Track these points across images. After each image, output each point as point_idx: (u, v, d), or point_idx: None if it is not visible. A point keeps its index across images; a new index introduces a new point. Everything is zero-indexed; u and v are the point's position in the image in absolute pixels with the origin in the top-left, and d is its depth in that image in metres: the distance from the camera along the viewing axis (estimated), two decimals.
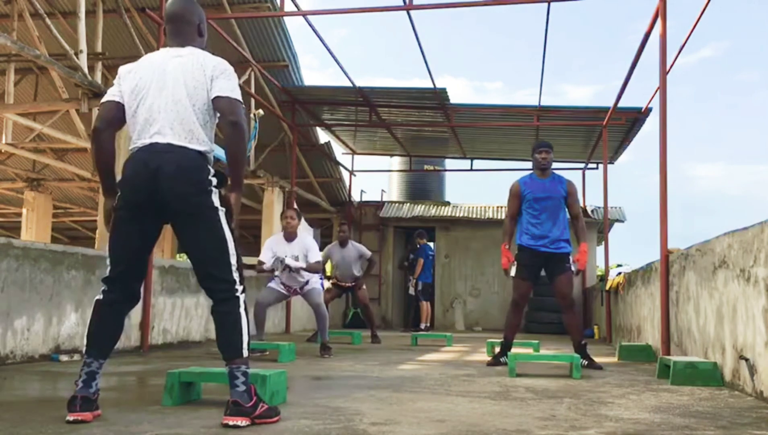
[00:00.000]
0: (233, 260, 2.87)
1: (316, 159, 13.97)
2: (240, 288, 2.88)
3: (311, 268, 6.56)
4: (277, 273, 6.65)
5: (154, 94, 2.91)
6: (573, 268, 5.75)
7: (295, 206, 10.40)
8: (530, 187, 5.89)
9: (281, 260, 6.49)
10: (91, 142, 3.03)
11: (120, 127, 3.00)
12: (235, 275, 2.87)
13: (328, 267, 9.68)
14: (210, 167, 2.92)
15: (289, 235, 6.64)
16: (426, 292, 12.65)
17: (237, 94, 2.92)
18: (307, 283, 6.74)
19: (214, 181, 2.90)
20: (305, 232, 6.94)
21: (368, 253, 9.08)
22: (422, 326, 12.26)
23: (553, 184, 5.87)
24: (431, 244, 14.38)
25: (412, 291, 13.14)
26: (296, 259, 6.54)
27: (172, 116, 2.87)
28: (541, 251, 5.73)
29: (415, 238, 12.99)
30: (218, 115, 2.96)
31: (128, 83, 2.98)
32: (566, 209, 5.88)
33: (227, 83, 2.92)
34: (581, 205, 5.96)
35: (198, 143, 2.88)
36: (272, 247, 6.66)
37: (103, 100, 3.02)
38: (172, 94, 2.90)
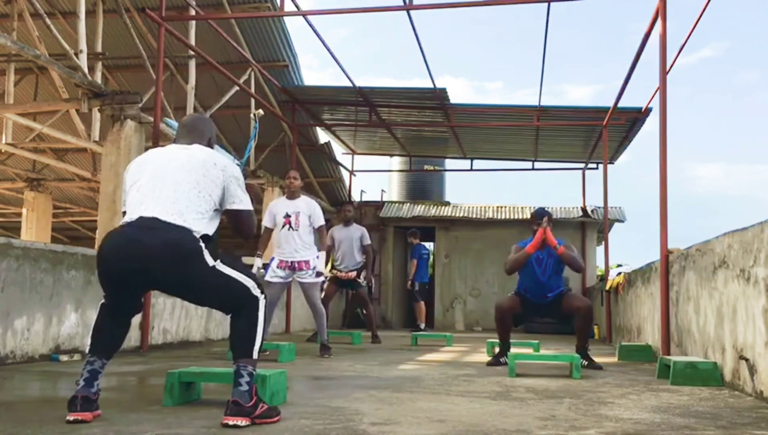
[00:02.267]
0: (242, 279, 2.89)
1: (316, 159, 13.97)
2: (258, 290, 2.91)
3: (323, 243, 6.65)
4: (269, 269, 6.54)
5: (149, 175, 2.92)
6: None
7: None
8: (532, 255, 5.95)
9: (319, 272, 6.56)
10: None
11: None
12: (248, 285, 2.90)
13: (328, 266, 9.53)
14: (198, 237, 2.82)
15: (292, 195, 6.61)
16: (422, 292, 12.58)
17: (250, 203, 3.04)
18: (308, 262, 6.52)
19: (203, 244, 2.83)
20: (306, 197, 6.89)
21: (368, 238, 8.88)
22: (421, 326, 12.23)
23: (549, 252, 5.89)
24: (426, 244, 14.36)
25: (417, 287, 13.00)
26: (298, 215, 6.46)
27: (167, 193, 2.85)
28: (537, 303, 5.88)
29: (408, 237, 12.93)
30: (220, 209, 2.97)
31: (129, 175, 3.03)
32: (563, 267, 5.93)
33: (243, 195, 3.01)
34: (581, 259, 6.08)
35: (188, 224, 2.81)
36: (275, 209, 6.60)
37: (123, 209, 3.01)
38: (173, 176, 2.89)
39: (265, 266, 6.69)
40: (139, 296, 3.02)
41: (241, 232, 3.05)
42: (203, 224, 2.85)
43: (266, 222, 6.67)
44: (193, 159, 2.95)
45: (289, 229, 6.50)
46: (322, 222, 6.62)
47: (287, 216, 6.50)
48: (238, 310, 2.89)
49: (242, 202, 2.99)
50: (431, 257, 17.01)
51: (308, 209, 6.57)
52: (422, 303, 12.45)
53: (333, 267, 8.93)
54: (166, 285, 2.92)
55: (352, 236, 8.78)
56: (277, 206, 6.65)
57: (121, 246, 2.79)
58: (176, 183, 2.87)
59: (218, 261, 2.86)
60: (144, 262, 2.73)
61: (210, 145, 3.17)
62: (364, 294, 9.02)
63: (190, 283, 2.83)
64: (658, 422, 3.00)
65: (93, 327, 2.94)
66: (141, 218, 2.81)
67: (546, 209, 6.21)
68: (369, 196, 16.11)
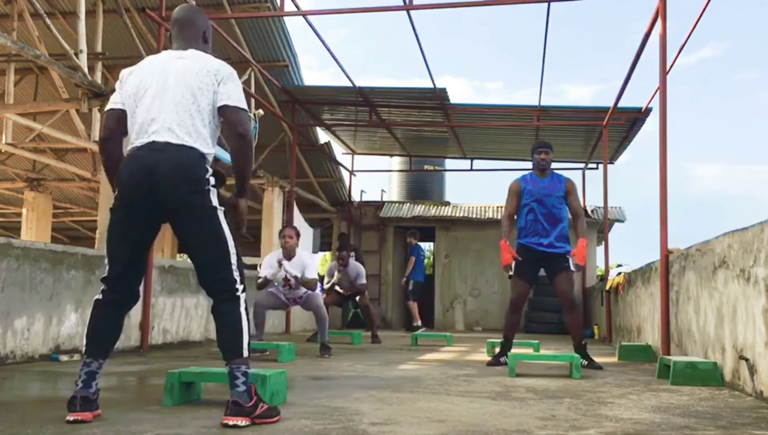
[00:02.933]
0: (234, 260, 2.87)
1: (316, 159, 13.97)
2: (240, 287, 2.88)
3: (307, 283, 6.66)
4: (275, 287, 6.79)
5: (153, 94, 2.90)
6: (571, 263, 5.73)
7: (294, 225, 10.48)
8: (530, 185, 5.88)
9: (280, 262, 6.55)
10: (100, 151, 3.07)
11: (126, 134, 3.01)
12: (236, 275, 2.87)
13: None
14: (209, 167, 2.90)
15: (288, 254, 6.68)
16: (416, 292, 12.55)
17: (244, 103, 2.94)
18: (305, 292, 6.82)
19: (213, 180, 2.88)
20: (304, 250, 7.07)
21: (363, 280, 9.22)
22: (415, 324, 12.23)
23: (553, 183, 5.87)
24: (426, 244, 14.36)
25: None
26: (294, 277, 6.62)
27: (171, 116, 2.86)
28: (539, 251, 5.72)
29: (408, 237, 12.96)
30: (221, 119, 2.95)
31: (129, 86, 2.98)
32: (566, 208, 5.88)
33: (234, 90, 2.92)
34: (581, 204, 5.94)
35: (197, 143, 2.87)
36: (270, 265, 6.70)
37: (107, 108, 3.03)
38: (172, 94, 2.89)
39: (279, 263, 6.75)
40: (147, 243, 2.96)
41: (236, 133, 2.87)
42: (209, 139, 2.90)
43: (264, 273, 6.73)
44: (187, 71, 2.91)
45: (290, 289, 6.80)
46: (314, 276, 6.75)
47: (287, 279, 6.68)
48: (220, 300, 2.85)
49: (230, 98, 2.90)
50: (431, 257, 17.03)
51: (301, 268, 6.68)
52: (415, 303, 12.44)
53: (333, 284, 9.46)
54: (170, 211, 2.86)
55: (349, 277, 9.28)
56: (274, 264, 6.68)
57: (136, 170, 2.83)
58: (176, 102, 2.87)
59: (222, 211, 2.86)
60: (153, 180, 2.78)
61: (206, 40, 3.13)
62: (365, 300, 9.41)
63: (190, 213, 2.82)
64: (658, 422, 3.00)
65: (87, 327, 2.93)
66: (153, 142, 2.84)
67: (547, 143, 6.17)
68: (369, 196, 16.12)
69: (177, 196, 2.81)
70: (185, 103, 2.88)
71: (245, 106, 2.94)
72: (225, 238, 2.85)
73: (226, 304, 2.85)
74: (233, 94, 2.91)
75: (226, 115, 2.90)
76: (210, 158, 2.93)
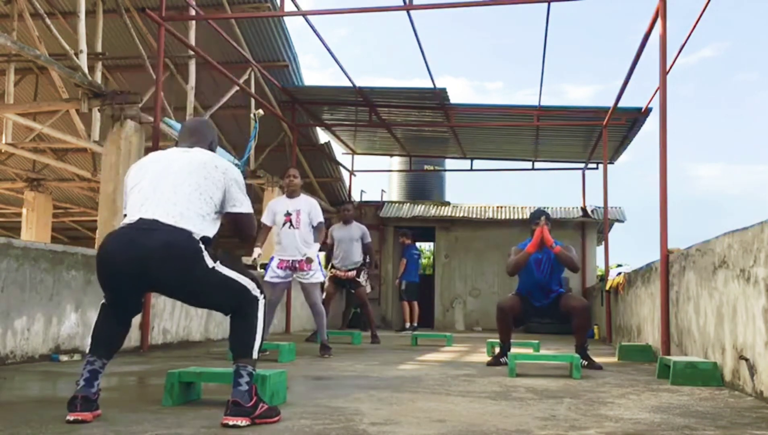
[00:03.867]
0: (241, 280, 2.90)
1: (316, 159, 13.97)
2: (258, 291, 2.92)
3: (320, 232, 6.55)
4: (270, 270, 6.52)
5: (151, 178, 2.93)
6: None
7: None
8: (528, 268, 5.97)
9: (309, 258, 6.43)
10: None
11: None
12: (249, 286, 2.90)
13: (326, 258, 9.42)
14: (198, 239, 2.82)
15: (291, 193, 6.61)
16: (411, 292, 12.48)
17: (250, 206, 3.04)
18: (305, 255, 6.48)
19: (203, 245, 2.83)
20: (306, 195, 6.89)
21: (369, 237, 8.87)
22: (407, 326, 12.13)
23: (549, 264, 5.91)
24: (426, 244, 14.34)
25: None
26: (299, 213, 6.45)
27: (166, 197, 2.85)
28: (537, 306, 5.92)
29: (400, 237, 12.87)
30: (221, 212, 2.98)
31: (130, 179, 3.03)
32: (563, 270, 5.97)
33: (245, 197, 3.02)
34: (577, 259, 6.11)
35: (189, 225, 2.81)
36: (275, 207, 6.60)
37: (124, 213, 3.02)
38: (173, 179, 2.90)
39: (265, 266, 6.69)
40: (138, 297, 3.02)
41: (241, 235, 3.07)
42: (204, 226, 2.86)
43: (265, 220, 6.66)
44: (194, 161, 2.96)
45: (290, 228, 6.50)
46: (321, 219, 6.62)
47: (288, 214, 6.50)
48: (237, 310, 2.90)
49: (242, 205, 3.00)
50: (431, 257, 17.01)
51: (308, 207, 6.58)
52: (406, 302, 12.39)
53: (332, 266, 8.89)
54: (165, 287, 2.91)
55: (352, 235, 8.75)
56: (277, 205, 6.65)
57: (120, 248, 2.78)
58: (177, 185, 2.88)
59: (218, 262, 2.85)
60: (143, 263, 2.73)
61: (212, 149, 3.19)
62: (362, 294, 8.94)
63: (190, 285, 2.83)
64: (658, 422, 3.00)
65: (93, 327, 2.94)
66: (141, 220, 2.81)
67: (544, 210, 6.25)
68: (369, 196, 16.12)
69: (170, 276, 2.77)
70: (187, 189, 2.88)
71: (252, 211, 3.06)
72: (231, 279, 2.87)
73: (245, 308, 2.89)
74: (245, 202, 3.02)
75: (238, 219, 3.01)
76: (199, 237, 2.84)
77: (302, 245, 6.50)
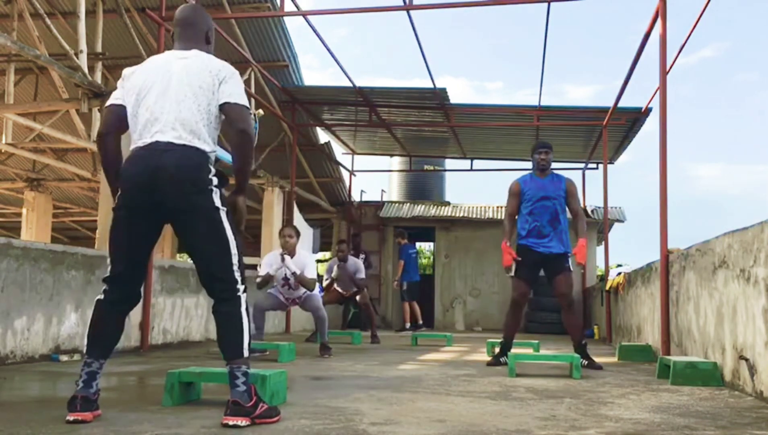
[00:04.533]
0: (235, 260, 2.87)
1: (316, 159, 13.97)
2: (242, 287, 2.89)
3: (304, 282, 6.58)
4: (275, 287, 6.77)
5: (156, 93, 2.91)
6: (572, 263, 5.75)
7: (294, 224, 10.53)
8: (530, 186, 5.89)
9: (282, 256, 6.54)
10: (98, 146, 3.07)
11: (125, 130, 3.01)
12: (237, 275, 2.87)
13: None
14: (211, 167, 2.90)
15: (288, 253, 6.66)
16: (412, 292, 12.48)
17: (245, 100, 2.95)
18: (304, 292, 6.78)
19: (215, 180, 2.89)
20: (303, 250, 7.03)
21: (362, 275, 9.23)
22: (407, 326, 12.17)
23: (553, 184, 5.87)
24: (426, 244, 14.33)
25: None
26: (294, 274, 6.56)
27: (174, 116, 2.87)
28: (539, 251, 5.73)
29: (395, 238, 12.86)
30: (223, 117, 2.96)
31: (131, 84, 2.98)
32: (566, 208, 5.88)
33: (236, 88, 2.93)
34: (581, 204, 5.95)
35: (200, 143, 2.87)
36: (270, 264, 6.69)
37: (107, 103, 3.03)
38: (175, 94, 2.89)
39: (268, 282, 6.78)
40: (149, 244, 2.97)
41: (237, 129, 2.87)
42: (212, 137, 2.91)
43: (264, 272, 6.72)
44: (190, 71, 2.92)
45: (288, 289, 6.79)
46: (313, 276, 6.71)
47: (286, 279, 6.66)
48: (221, 300, 2.86)
49: (232, 95, 2.91)
50: (431, 257, 17.01)
51: (301, 267, 6.64)
52: (407, 303, 12.39)
53: (332, 281, 9.39)
54: (172, 211, 2.85)
55: (348, 273, 9.25)
56: (274, 263, 6.67)
57: (139, 171, 2.83)
58: (179, 101, 2.88)
59: (226, 211, 2.87)
60: (155, 179, 2.78)
61: (208, 40, 3.14)
62: (365, 300, 9.29)
63: (192, 213, 2.83)
64: (658, 422, 3.00)
65: (88, 327, 2.93)
66: (157, 142, 2.84)
67: (547, 142, 6.19)
68: (369, 196, 16.13)
69: (180, 197, 2.81)
70: (187, 102, 2.88)
71: (247, 104, 2.95)
72: (227, 239, 2.86)
73: (227, 304, 2.86)
74: (234, 91, 2.92)
75: (227, 112, 2.91)
76: (212, 158, 2.93)
77: (299, 293, 6.82)
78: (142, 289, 3.07)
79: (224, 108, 2.91)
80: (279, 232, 7.03)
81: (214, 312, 2.89)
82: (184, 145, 2.84)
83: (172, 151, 2.82)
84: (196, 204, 2.83)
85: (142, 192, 2.83)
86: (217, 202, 2.86)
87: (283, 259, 6.54)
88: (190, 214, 2.84)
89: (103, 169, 3.04)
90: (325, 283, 9.46)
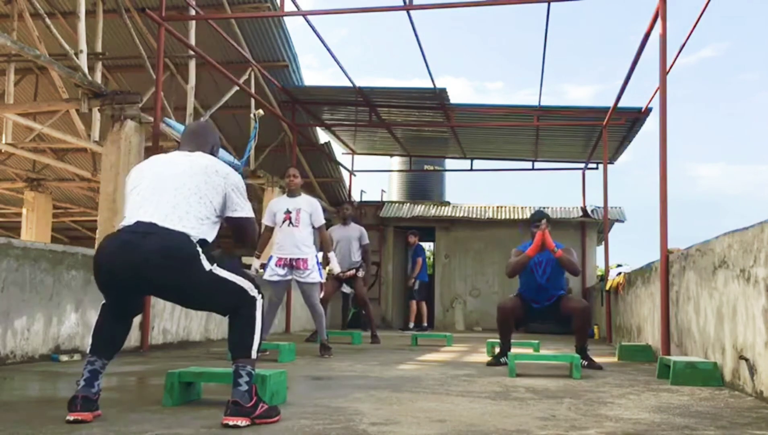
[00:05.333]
0: (241, 284, 2.90)
1: (316, 159, 13.97)
2: (255, 291, 2.93)
3: (326, 244, 6.70)
4: (271, 275, 6.49)
5: (152, 181, 2.93)
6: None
7: None
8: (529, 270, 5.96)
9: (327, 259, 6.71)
10: None
11: None
12: (246, 287, 2.91)
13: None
14: (196, 242, 2.82)
15: (292, 193, 6.61)
16: (421, 292, 12.52)
17: (251, 211, 3.04)
18: (306, 261, 6.48)
19: (200, 248, 2.82)
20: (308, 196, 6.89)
21: (366, 238, 8.98)
22: (411, 326, 12.20)
23: (548, 255, 5.89)
24: (426, 244, 14.36)
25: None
26: (299, 211, 6.45)
27: (165, 200, 2.85)
28: (536, 307, 5.90)
29: (409, 236, 12.88)
30: (221, 216, 2.99)
31: (131, 179, 3.04)
32: (563, 272, 5.96)
33: (245, 202, 3.02)
34: (577, 259, 6.08)
35: (187, 228, 2.81)
36: (275, 207, 6.59)
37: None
38: (173, 184, 2.90)
39: (264, 266, 6.66)
40: (138, 299, 3.03)
41: (242, 241, 3.08)
42: (202, 229, 2.87)
43: (266, 220, 6.65)
44: (194, 165, 2.96)
45: (288, 225, 6.49)
46: (323, 221, 6.63)
47: (287, 212, 6.49)
48: (235, 311, 2.91)
49: (243, 209, 3.01)
50: (431, 257, 17.02)
51: (309, 207, 6.57)
52: (414, 302, 12.40)
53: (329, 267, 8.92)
54: (162, 291, 2.92)
55: (350, 236, 8.83)
56: (276, 203, 6.65)
57: (117, 252, 2.78)
58: (176, 188, 2.88)
59: (215, 265, 2.86)
60: (140, 267, 2.73)
61: (213, 153, 3.19)
62: (363, 295, 9.00)
63: (187, 288, 2.84)
64: (658, 422, 3.00)
65: (94, 327, 2.95)
66: (138, 223, 2.81)
67: (544, 211, 6.23)
68: (369, 196, 16.12)
69: (167, 279, 2.78)
70: (187, 192, 2.88)
71: (253, 215, 3.06)
72: (229, 282, 2.87)
73: (243, 309, 2.90)
74: (245, 207, 3.02)
75: (239, 224, 3.01)
76: (197, 240, 2.84)
77: (301, 243, 6.49)
78: (142, 304, 3.12)
79: (236, 220, 3.00)
80: (284, 174, 6.87)
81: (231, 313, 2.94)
82: (167, 229, 2.78)
83: (155, 233, 2.76)
84: (186, 280, 2.80)
85: (120, 274, 2.78)
86: (207, 266, 2.82)
87: (328, 261, 6.56)
88: (181, 290, 2.86)
89: None
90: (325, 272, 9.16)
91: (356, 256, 8.84)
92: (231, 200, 2.97)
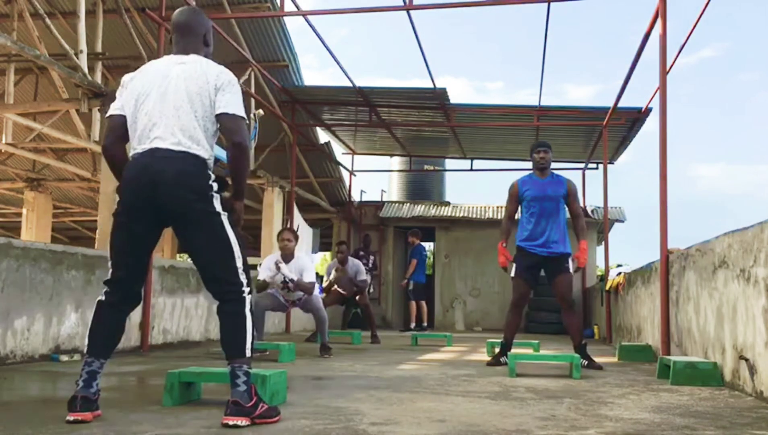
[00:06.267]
0: (239, 263, 2.89)
1: (316, 159, 13.96)
2: (246, 289, 2.91)
3: (303, 286, 6.56)
4: (274, 289, 6.72)
5: (154, 99, 2.91)
6: (572, 266, 5.74)
7: (292, 226, 10.56)
8: (529, 187, 5.88)
9: (278, 265, 6.50)
10: (105, 158, 3.09)
11: (128, 139, 3.02)
12: (241, 277, 2.89)
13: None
14: (210, 173, 2.92)
15: (286, 256, 6.65)
16: (418, 292, 12.49)
17: (242, 111, 2.94)
18: (304, 295, 6.75)
19: (215, 186, 2.90)
20: (302, 253, 7.04)
21: (363, 276, 9.23)
22: (412, 326, 12.19)
23: (552, 184, 5.86)
24: (426, 244, 14.34)
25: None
26: (291, 280, 6.54)
27: (173, 121, 2.87)
28: (538, 253, 5.74)
29: (409, 236, 12.88)
30: (219, 125, 2.96)
31: (129, 91, 3.00)
32: (566, 209, 5.88)
33: (233, 97, 2.93)
34: (581, 204, 5.95)
35: (199, 149, 2.88)
36: (268, 268, 6.67)
37: (108, 113, 3.03)
38: (173, 100, 2.90)
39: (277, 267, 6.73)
40: (149, 248, 2.98)
41: (233, 141, 2.87)
42: (209, 144, 2.92)
43: (262, 277, 6.66)
44: (188, 78, 2.92)
45: (287, 292, 6.76)
46: (312, 280, 6.67)
47: (285, 283, 6.59)
48: (226, 301, 2.88)
49: (228, 105, 2.90)
50: (431, 257, 17.01)
51: (300, 270, 6.62)
52: (414, 303, 12.38)
53: (331, 283, 9.34)
54: (173, 216, 2.87)
55: (348, 276, 9.21)
56: (273, 269, 6.61)
57: (138, 176, 2.84)
58: (178, 108, 2.88)
59: (227, 215, 2.88)
60: (155, 186, 2.80)
61: (206, 42, 3.13)
62: (364, 297, 9.22)
63: (194, 220, 2.84)
64: (658, 422, 3.00)
65: (90, 326, 2.94)
66: (156, 149, 2.85)
67: (545, 142, 6.18)
68: (369, 196, 16.13)
69: (180, 204, 2.83)
70: (185, 108, 2.89)
71: (243, 114, 2.94)
72: (230, 243, 2.87)
73: (232, 305, 2.88)
74: (231, 101, 2.91)
75: (223, 122, 2.91)
76: (211, 162, 2.94)
77: (299, 295, 6.79)
78: (142, 290, 3.08)
79: (220, 118, 2.91)
80: (277, 236, 7.00)
81: (219, 312, 2.90)
82: (183, 153, 2.84)
83: (171, 158, 2.83)
84: (197, 210, 2.84)
85: (141, 198, 2.84)
86: (218, 207, 2.87)
87: (278, 267, 6.46)
88: (191, 220, 2.86)
89: (115, 177, 3.04)
90: (325, 284, 9.46)
91: (356, 289, 9.25)
92: (217, 98, 2.90)
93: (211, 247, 2.87)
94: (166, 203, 2.82)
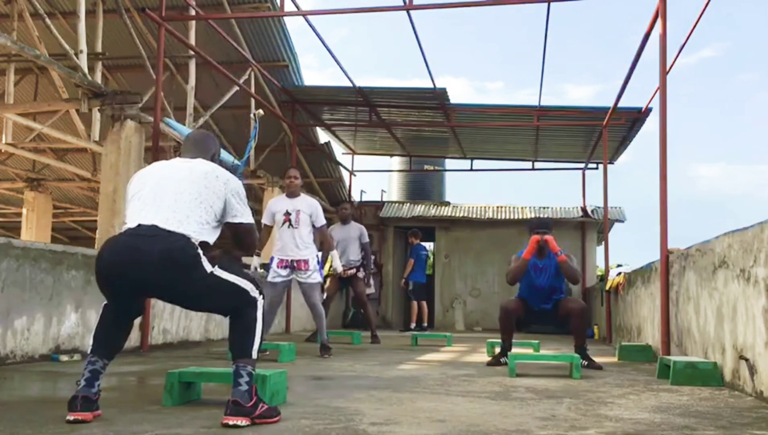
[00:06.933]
0: (243, 285, 2.92)
1: (316, 159, 13.97)
2: (257, 292, 2.94)
3: (328, 243, 6.70)
4: (275, 277, 6.49)
5: (154, 186, 2.95)
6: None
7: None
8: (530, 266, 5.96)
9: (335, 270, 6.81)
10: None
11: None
12: (248, 287, 2.92)
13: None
14: (196, 244, 2.83)
15: (292, 194, 6.57)
16: (418, 292, 12.48)
17: (250, 217, 3.06)
18: (307, 262, 6.49)
19: (200, 251, 2.83)
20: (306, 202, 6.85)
21: (366, 237, 8.97)
22: (412, 326, 12.19)
23: (547, 269, 5.90)
24: (426, 244, 14.33)
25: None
26: (299, 213, 6.42)
27: (166, 205, 2.87)
28: (536, 310, 5.91)
29: (409, 237, 12.87)
30: (221, 221, 3.00)
31: (132, 185, 3.06)
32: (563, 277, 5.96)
33: (246, 208, 3.04)
34: (577, 266, 6.10)
35: (188, 230, 2.83)
36: (274, 207, 6.56)
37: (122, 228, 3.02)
38: (174, 189, 2.92)
39: (264, 266, 6.66)
40: (139, 301, 3.04)
41: (242, 246, 3.10)
42: (203, 233, 2.88)
43: (265, 219, 6.64)
44: (195, 171, 2.98)
45: (288, 227, 6.49)
46: (323, 221, 6.61)
47: (287, 213, 6.48)
48: (236, 312, 2.92)
49: (243, 215, 3.02)
50: (431, 257, 17.01)
51: (309, 208, 6.55)
52: (415, 303, 12.39)
53: (330, 266, 8.88)
54: (163, 293, 2.93)
55: (350, 235, 8.86)
56: (276, 204, 6.63)
57: (119, 254, 2.80)
58: (177, 193, 2.90)
59: (216, 267, 2.87)
60: (142, 269, 2.75)
61: (214, 161, 3.21)
62: (362, 295, 9.01)
63: (188, 291, 2.85)
64: (658, 422, 3.00)
65: (96, 327, 2.95)
66: (140, 226, 2.83)
67: (550, 219, 6.22)
68: (369, 196, 16.12)
69: (168, 281, 2.79)
70: (188, 197, 2.90)
71: (252, 220, 3.07)
72: (230, 284, 2.89)
73: (244, 309, 2.91)
74: (245, 212, 3.04)
75: (239, 230, 3.03)
76: (197, 242, 2.85)
77: (301, 245, 6.50)
78: (144, 303, 3.13)
79: (236, 226, 3.01)
80: (284, 175, 6.81)
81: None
82: (169, 231, 2.80)
83: (157, 236, 2.78)
84: (187, 283, 2.81)
85: (121, 277, 2.80)
86: (208, 268, 2.83)
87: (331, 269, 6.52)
88: (182, 293, 2.88)
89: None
90: (328, 264, 9.12)
91: (356, 255, 8.86)
92: (231, 206, 2.99)
93: (217, 299, 2.91)
94: (151, 282, 2.80)
